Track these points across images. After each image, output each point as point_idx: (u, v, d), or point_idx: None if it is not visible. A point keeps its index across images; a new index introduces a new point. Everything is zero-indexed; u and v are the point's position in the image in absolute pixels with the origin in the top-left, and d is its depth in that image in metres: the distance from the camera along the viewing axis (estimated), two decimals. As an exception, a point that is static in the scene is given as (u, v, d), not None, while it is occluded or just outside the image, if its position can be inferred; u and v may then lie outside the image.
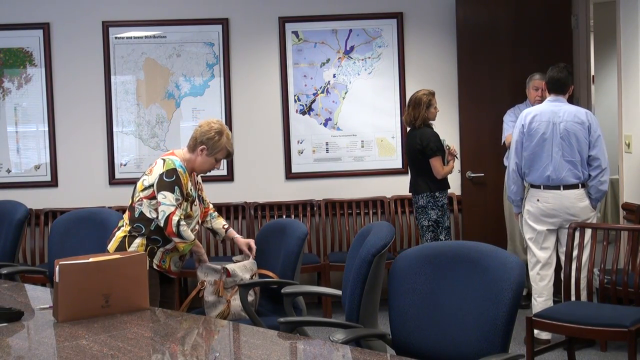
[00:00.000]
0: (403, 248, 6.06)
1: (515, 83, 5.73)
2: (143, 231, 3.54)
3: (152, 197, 3.51)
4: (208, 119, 3.74)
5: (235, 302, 3.69)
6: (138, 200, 3.55)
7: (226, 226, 3.90)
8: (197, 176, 3.74)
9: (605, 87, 8.48)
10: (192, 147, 3.62)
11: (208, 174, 3.87)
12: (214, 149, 3.58)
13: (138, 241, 3.55)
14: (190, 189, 3.57)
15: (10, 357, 2.48)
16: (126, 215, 3.64)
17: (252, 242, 3.85)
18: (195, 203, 3.60)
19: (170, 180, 3.47)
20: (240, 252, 3.92)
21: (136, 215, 3.56)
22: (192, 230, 3.62)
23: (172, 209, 3.44)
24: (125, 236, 3.58)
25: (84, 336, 2.64)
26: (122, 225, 3.63)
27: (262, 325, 3.37)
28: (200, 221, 3.74)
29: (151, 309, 3.05)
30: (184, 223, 3.47)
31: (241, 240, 3.87)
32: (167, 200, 3.45)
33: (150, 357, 2.50)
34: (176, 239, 3.48)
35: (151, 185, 3.51)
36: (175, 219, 3.43)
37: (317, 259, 5.90)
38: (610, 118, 6.57)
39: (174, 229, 3.43)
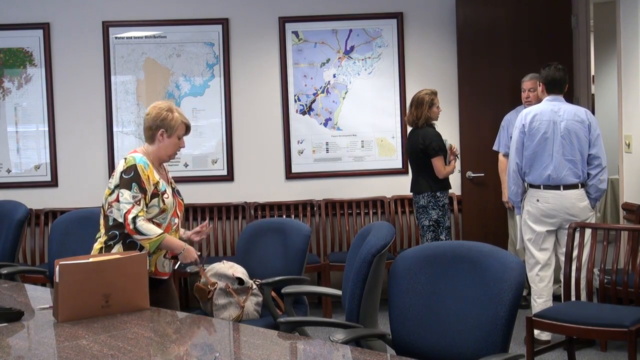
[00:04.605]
0: (403, 248, 6.06)
1: (515, 83, 5.73)
2: (117, 237, 3.42)
3: (118, 199, 3.40)
4: (153, 104, 3.63)
5: (248, 304, 3.69)
6: (108, 208, 3.44)
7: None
8: (167, 171, 3.64)
9: (605, 87, 8.48)
10: (151, 137, 3.53)
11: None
12: (172, 128, 3.49)
13: (115, 250, 3.41)
14: (159, 182, 3.46)
15: (10, 357, 2.48)
16: (102, 225, 3.52)
17: (197, 229, 3.68)
18: (166, 195, 3.46)
19: (128, 177, 3.38)
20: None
21: (110, 223, 3.44)
22: (172, 226, 3.50)
23: (128, 207, 3.34)
24: (101, 247, 3.46)
25: (84, 336, 2.64)
26: (99, 237, 3.52)
27: (292, 314, 3.49)
28: (180, 216, 3.59)
29: (151, 309, 3.05)
30: (142, 217, 3.34)
31: (190, 232, 3.67)
32: (124, 198, 3.35)
33: (150, 357, 2.50)
34: (137, 237, 3.35)
35: (116, 186, 3.41)
36: (130, 216, 3.32)
37: (317, 259, 5.90)
38: (610, 118, 6.57)
39: (131, 225, 3.33)
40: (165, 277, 3.58)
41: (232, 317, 3.64)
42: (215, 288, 3.69)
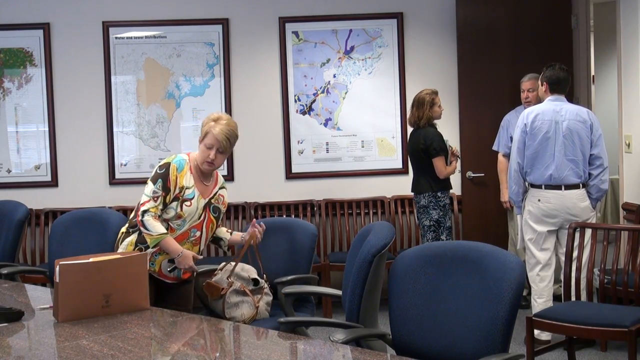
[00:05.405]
0: (403, 248, 6.06)
1: (515, 83, 5.73)
2: (136, 226, 3.50)
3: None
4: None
5: (261, 303, 3.71)
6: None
7: (229, 230, 3.80)
8: (217, 187, 3.63)
9: (605, 87, 8.49)
10: None
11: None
12: (203, 133, 3.54)
13: (128, 240, 3.52)
14: (188, 188, 3.49)
15: (11, 357, 2.48)
16: (134, 210, 3.61)
17: (254, 224, 3.72)
18: (188, 203, 3.48)
19: (159, 172, 3.47)
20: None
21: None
22: (190, 236, 3.52)
23: (145, 199, 3.43)
24: (122, 233, 3.60)
25: (84, 336, 2.64)
26: (129, 222, 3.63)
27: (292, 314, 3.51)
28: (205, 231, 3.59)
29: (151, 309, 3.05)
30: (152, 214, 3.41)
31: (247, 233, 3.72)
32: (147, 190, 3.45)
33: (150, 357, 2.50)
34: (142, 229, 3.43)
35: (151, 178, 3.52)
36: (142, 208, 3.42)
37: (317, 259, 5.90)
38: (610, 118, 6.57)
39: (140, 217, 3.42)
40: (170, 281, 3.60)
41: (244, 316, 3.63)
42: (231, 287, 3.67)
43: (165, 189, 3.44)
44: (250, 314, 3.64)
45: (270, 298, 3.76)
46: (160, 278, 3.57)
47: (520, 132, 4.69)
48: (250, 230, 3.70)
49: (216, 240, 3.78)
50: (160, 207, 3.44)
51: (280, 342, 2.64)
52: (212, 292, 3.71)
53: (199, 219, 3.55)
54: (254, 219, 3.79)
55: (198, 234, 3.57)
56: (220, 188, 3.66)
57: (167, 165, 3.47)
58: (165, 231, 3.44)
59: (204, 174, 3.57)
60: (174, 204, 3.47)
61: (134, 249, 3.48)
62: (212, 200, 3.60)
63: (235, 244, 3.80)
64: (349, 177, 6.23)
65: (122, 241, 3.56)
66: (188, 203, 3.49)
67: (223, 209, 3.67)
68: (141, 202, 3.45)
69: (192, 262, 3.50)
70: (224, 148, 3.52)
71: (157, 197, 3.43)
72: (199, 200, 3.53)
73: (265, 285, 3.76)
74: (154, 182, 3.45)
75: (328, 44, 6.18)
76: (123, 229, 3.62)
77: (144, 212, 3.41)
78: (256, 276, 3.75)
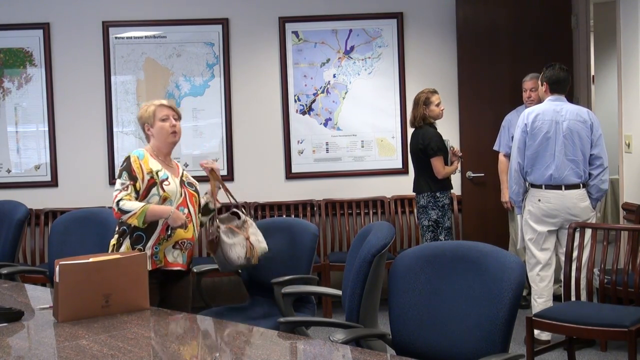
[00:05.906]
0: (403, 248, 6.06)
1: (515, 83, 5.73)
2: (126, 233, 3.52)
3: None
4: None
5: (254, 237, 3.73)
6: None
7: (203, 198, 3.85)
8: (180, 169, 3.70)
9: (605, 87, 8.48)
10: (146, 137, 3.71)
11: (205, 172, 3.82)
12: (149, 116, 3.62)
13: (122, 249, 3.52)
14: (159, 171, 3.54)
15: (10, 357, 2.48)
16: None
17: (202, 164, 3.80)
18: (167, 183, 3.54)
19: (121, 167, 3.55)
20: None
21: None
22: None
23: (116, 193, 3.49)
24: (114, 244, 3.58)
25: (84, 336, 2.64)
26: (115, 232, 3.62)
27: (292, 314, 3.51)
28: (192, 207, 3.62)
29: (151, 309, 3.05)
30: (125, 200, 3.46)
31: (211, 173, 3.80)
32: (116, 185, 3.52)
33: (150, 357, 2.50)
34: (123, 217, 3.46)
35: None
36: (115, 200, 3.47)
37: (317, 259, 5.90)
38: (610, 118, 6.57)
39: (116, 209, 3.46)
40: (178, 268, 3.59)
41: (240, 258, 3.66)
42: (219, 231, 3.69)
43: (132, 177, 3.51)
44: (244, 252, 3.67)
45: (255, 227, 3.78)
46: (169, 268, 3.56)
47: (521, 132, 4.70)
48: (206, 172, 3.77)
49: (205, 211, 3.77)
50: (133, 195, 3.49)
51: (280, 342, 2.63)
52: (212, 248, 3.74)
53: (181, 196, 3.60)
54: (200, 161, 3.84)
55: (186, 211, 3.60)
56: (182, 171, 3.74)
57: (127, 158, 3.56)
58: (144, 203, 3.48)
59: (165, 158, 3.65)
60: (154, 189, 3.52)
61: None
62: (183, 178, 3.68)
63: (214, 198, 3.81)
64: (349, 177, 6.23)
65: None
66: (167, 182, 3.56)
67: (196, 183, 3.74)
68: (113, 198, 3.48)
69: (183, 216, 3.52)
70: (177, 114, 3.66)
71: (127, 186, 3.49)
72: (173, 178, 3.60)
73: (248, 218, 3.78)
74: (120, 177, 3.53)
75: (328, 44, 6.18)
76: (113, 242, 3.59)
77: (118, 201, 3.46)
78: (234, 209, 3.76)
